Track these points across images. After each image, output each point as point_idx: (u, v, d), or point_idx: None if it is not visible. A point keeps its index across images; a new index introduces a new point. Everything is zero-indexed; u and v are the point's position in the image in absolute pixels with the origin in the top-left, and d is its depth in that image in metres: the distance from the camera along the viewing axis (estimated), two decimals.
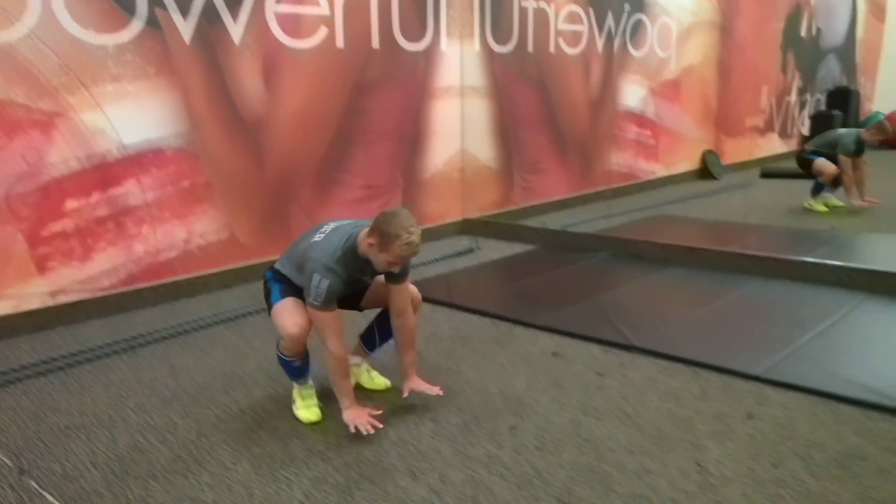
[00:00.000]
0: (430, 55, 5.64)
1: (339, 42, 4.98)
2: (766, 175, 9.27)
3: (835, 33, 12.06)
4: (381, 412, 2.61)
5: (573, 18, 6.83)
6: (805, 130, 11.54)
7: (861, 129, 6.48)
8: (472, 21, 5.92)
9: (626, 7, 7.43)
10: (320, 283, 2.43)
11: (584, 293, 4.21)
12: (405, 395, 2.74)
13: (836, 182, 6.56)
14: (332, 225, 2.61)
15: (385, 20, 5.23)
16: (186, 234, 4.40)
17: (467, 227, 6.12)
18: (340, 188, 5.17)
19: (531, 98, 6.61)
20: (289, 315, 2.57)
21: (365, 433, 2.48)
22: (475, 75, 6.04)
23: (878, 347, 3.27)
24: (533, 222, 6.22)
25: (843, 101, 11.74)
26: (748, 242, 5.23)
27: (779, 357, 3.15)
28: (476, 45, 6.00)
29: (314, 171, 4.99)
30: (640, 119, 7.97)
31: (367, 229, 2.49)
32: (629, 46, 7.59)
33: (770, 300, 4.01)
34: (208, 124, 4.41)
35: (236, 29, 4.41)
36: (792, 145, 11.31)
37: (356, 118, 5.18)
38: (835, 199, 6.80)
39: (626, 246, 5.12)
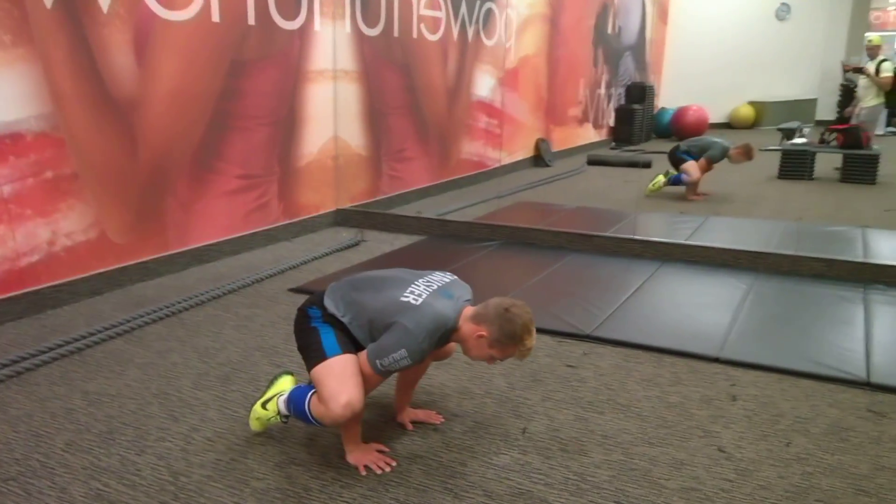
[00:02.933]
0: (304, 34, 5.27)
1: (215, 15, 4.48)
2: (591, 162, 9.84)
3: (630, 32, 13.05)
4: (389, 450, 2.34)
5: (433, 4, 6.73)
6: (611, 122, 12.42)
7: (730, 146, 7.04)
8: (343, 0, 5.62)
9: None
10: (402, 360, 2.09)
11: (508, 283, 4.15)
12: (409, 427, 2.51)
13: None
14: (420, 283, 2.22)
15: None
16: (51, 234, 3.74)
17: (342, 218, 5.83)
18: (217, 178, 4.68)
19: (398, 84, 6.43)
20: (345, 389, 2.08)
21: (379, 472, 2.22)
22: (346, 58, 5.74)
23: (811, 324, 3.56)
24: (406, 211, 6.07)
25: (640, 96, 12.79)
26: (627, 228, 5.46)
27: (723, 338, 3.31)
28: (347, 26, 5.71)
29: (190, 160, 4.46)
30: (489, 108, 8.08)
31: (471, 310, 2.19)
32: (482, 35, 7.65)
33: (682, 282, 4.22)
34: (75, 104, 3.76)
35: None
36: (603, 135, 12.11)
37: (233, 101, 4.71)
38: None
39: (518, 234, 5.14)
